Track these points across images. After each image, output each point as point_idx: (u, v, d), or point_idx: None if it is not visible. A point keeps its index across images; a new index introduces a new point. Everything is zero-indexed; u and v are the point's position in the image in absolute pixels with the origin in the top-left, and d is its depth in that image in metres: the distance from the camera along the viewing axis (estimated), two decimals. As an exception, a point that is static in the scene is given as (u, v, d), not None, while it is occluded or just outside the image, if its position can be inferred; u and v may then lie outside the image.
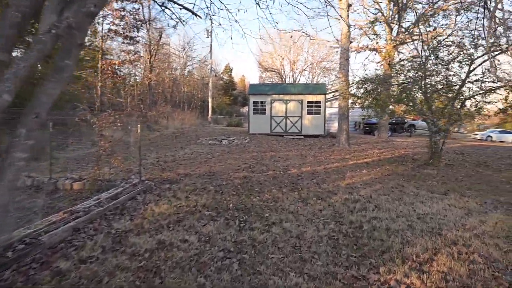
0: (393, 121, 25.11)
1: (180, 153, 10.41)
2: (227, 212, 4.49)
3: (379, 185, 6.53)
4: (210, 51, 28.84)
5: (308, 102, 18.11)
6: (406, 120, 26.51)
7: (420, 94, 8.53)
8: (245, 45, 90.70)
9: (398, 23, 16.41)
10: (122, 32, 19.99)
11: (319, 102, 18.02)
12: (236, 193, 5.54)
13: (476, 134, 31.55)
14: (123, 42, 21.03)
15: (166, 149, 11.53)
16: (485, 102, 8.15)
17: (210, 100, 29.23)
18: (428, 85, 8.05)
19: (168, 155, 10.03)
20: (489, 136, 30.03)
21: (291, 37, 19.49)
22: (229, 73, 63.62)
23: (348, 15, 13.17)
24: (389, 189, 6.11)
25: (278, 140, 15.69)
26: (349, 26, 13.14)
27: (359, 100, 9.83)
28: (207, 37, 28.33)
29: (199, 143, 13.42)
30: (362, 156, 11.07)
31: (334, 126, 28.72)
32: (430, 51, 8.04)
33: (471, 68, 7.51)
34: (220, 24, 39.55)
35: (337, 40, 19.05)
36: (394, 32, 17.23)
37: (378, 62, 18.99)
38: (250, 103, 18.65)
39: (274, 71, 52.96)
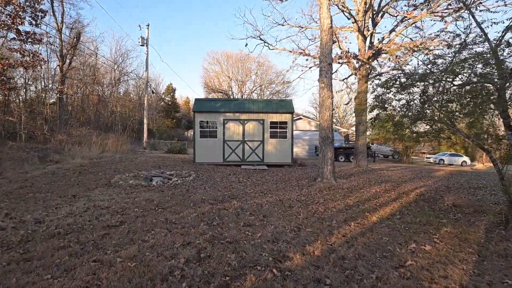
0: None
1: (60, 214, 5.34)
2: None
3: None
4: (147, 62, 23.82)
5: (272, 123, 14.25)
6: (370, 144, 24.53)
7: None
8: (190, 62, 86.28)
9: (373, 30, 13.87)
10: (11, 24, 14.08)
11: (285, 123, 14.30)
12: None
13: (429, 158, 31.35)
14: (13, 38, 15.03)
15: (40, 201, 6.29)
16: None
17: (145, 121, 23.80)
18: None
19: (27, 220, 4.91)
20: (441, 159, 29.88)
21: (246, 45, 15.97)
22: (171, 93, 57.99)
23: (329, 7, 9.89)
24: None
25: (236, 174, 11.30)
26: (331, 19, 9.81)
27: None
28: (142, 45, 23.36)
29: (113, 185, 8.32)
30: (370, 201, 7.28)
31: (294, 151, 25.45)
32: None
33: None
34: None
35: (303, 52, 15.96)
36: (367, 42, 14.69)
37: (348, 77, 16.34)
38: (196, 123, 14.08)
39: (222, 92, 49.42)
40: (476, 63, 4.42)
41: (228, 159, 14.13)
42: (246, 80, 50.17)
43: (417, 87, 5.07)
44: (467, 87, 4.52)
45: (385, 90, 5.44)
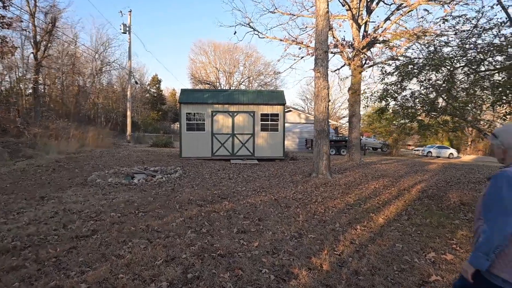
0: (346, 138, 22.30)
1: (22, 221, 4.56)
2: None
3: None
4: (129, 50, 22.58)
5: (262, 115, 13.60)
6: (362, 137, 24.22)
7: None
8: (176, 53, 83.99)
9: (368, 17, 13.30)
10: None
11: (277, 115, 13.67)
12: None
13: (417, 150, 31.51)
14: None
15: (1, 204, 5.46)
16: None
17: (129, 113, 22.69)
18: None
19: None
20: (429, 151, 30.03)
21: (235, 33, 15.15)
22: (157, 85, 56.11)
23: (325, -10, 9.21)
24: None
25: (226, 169, 10.63)
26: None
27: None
28: (124, 32, 22.07)
29: (89, 184, 7.51)
30: (371, 199, 6.79)
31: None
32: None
33: None
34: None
35: (295, 40, 15.24)
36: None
37: (341, 67, 15.82)
38: (182, 115, 13.26)
39: (209, 84, 48.22)
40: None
41: (216, 153, 13.42)
42: (234, 71, 49.16)
43: (440, 73, 4.51)
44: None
45: (403, 76, 4.84)
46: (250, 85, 49.11)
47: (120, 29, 21.96)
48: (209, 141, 13.33)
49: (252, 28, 15.50)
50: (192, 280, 2.89)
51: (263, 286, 2.85)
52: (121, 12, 22.28)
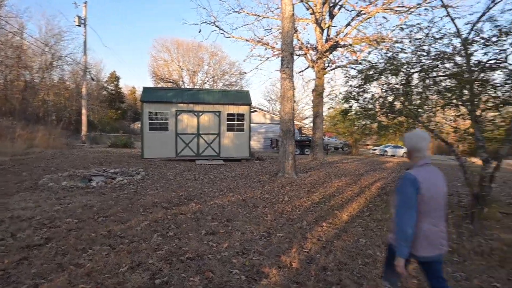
0: (310, 138, 23.00)
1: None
2: None
3: None
4: (85, 44, 21.12)
5: (229, 115, 13.50)
6: (324, 137, 25.07)
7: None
8: (136, 49, 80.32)
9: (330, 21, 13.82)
10: None
11: (243, 115, 13.66)
12: None
13: (374, 150, 33.46)
14: None
15: None
16: None
17: (84, 111, 21.24)
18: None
19: None
20: (385, 150, 32.03)
21: (200, 31, 14.79)
22: (115, 82, 53.19)
23: (291, -7, 9.41)
24: None
25: (191, 170, 10.39)
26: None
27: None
28: (79, 25, 20.61)
29: (40, 188, 6.87)
30: (335, 197, 7.08)
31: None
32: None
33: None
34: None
35: (261, 41, 15.35)
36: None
37: (305, 69, 16.25)
38: (144, 114, 12.70)
39: (172, 82, 46.81)
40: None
41: (181, 154, 13.07)
42: (198, 70, 48.28)
43: (398, 77, 4.83)
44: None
45: (365, 79, 5.10)
46: (215, 84, 48.56)
47: (74, 21, 20.45)
48: (173, 141, 12.93)
49: (218, 27, 15.34)
50: (160, 286, 2.77)
51: (235, 287, 2.82)
52: (75, 3, 20.76)
